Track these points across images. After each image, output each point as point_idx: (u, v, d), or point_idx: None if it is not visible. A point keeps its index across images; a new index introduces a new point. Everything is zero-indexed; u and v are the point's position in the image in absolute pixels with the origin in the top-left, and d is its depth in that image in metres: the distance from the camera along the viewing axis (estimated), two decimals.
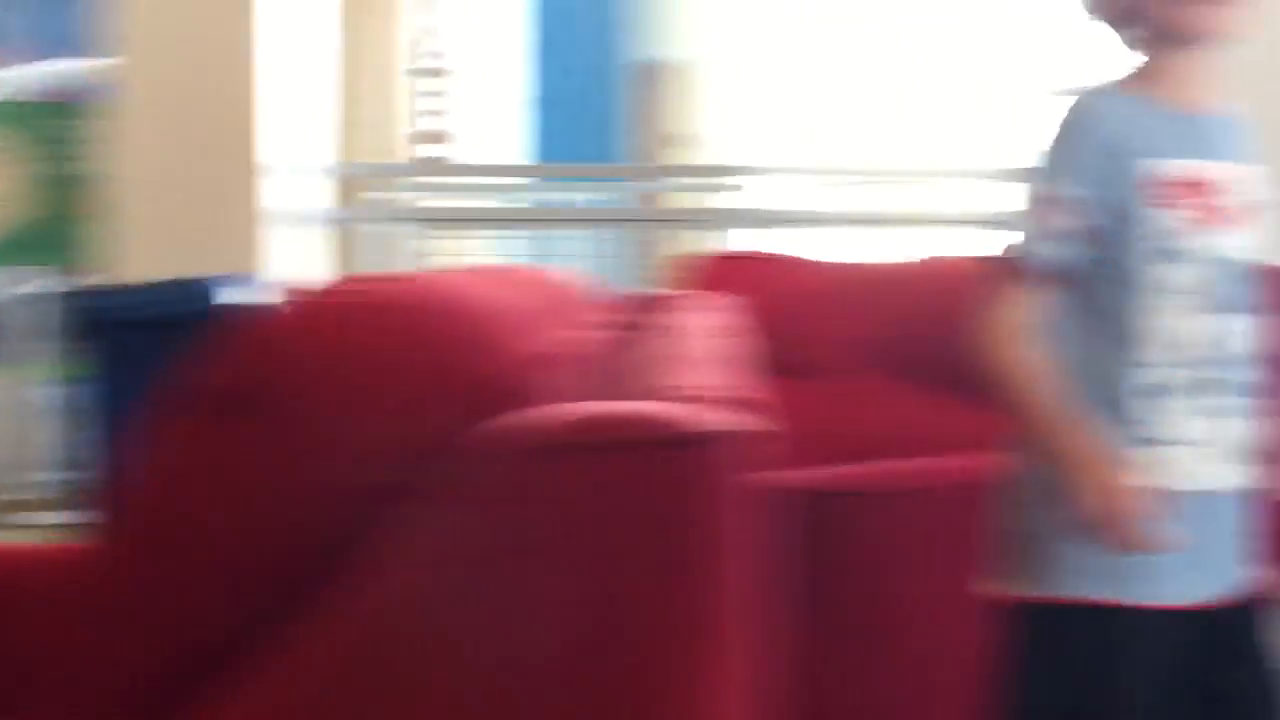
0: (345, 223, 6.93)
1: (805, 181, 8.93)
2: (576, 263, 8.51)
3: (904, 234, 7.05)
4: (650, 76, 13.62)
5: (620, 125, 13.87)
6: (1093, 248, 2.01)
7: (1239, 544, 2.06)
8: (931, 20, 11.42)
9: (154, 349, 2.55)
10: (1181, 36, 1.99)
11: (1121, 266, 2.01)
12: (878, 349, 3.60)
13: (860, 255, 3.98)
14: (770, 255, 4.49)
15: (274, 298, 3.48)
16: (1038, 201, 2.03)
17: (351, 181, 7.34)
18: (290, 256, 5.95)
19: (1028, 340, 2.02)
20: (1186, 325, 2.00)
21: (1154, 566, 1.99)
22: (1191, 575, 2.02)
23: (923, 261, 3.90)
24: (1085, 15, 2.07)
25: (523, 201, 9.09)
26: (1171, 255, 2.00)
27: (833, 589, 2.70)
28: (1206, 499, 2.02)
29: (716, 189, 8.88)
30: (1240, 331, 2.03)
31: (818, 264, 4.14)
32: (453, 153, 11.14)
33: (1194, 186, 2.00)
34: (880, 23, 11.86)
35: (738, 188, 8.67)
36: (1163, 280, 2.00)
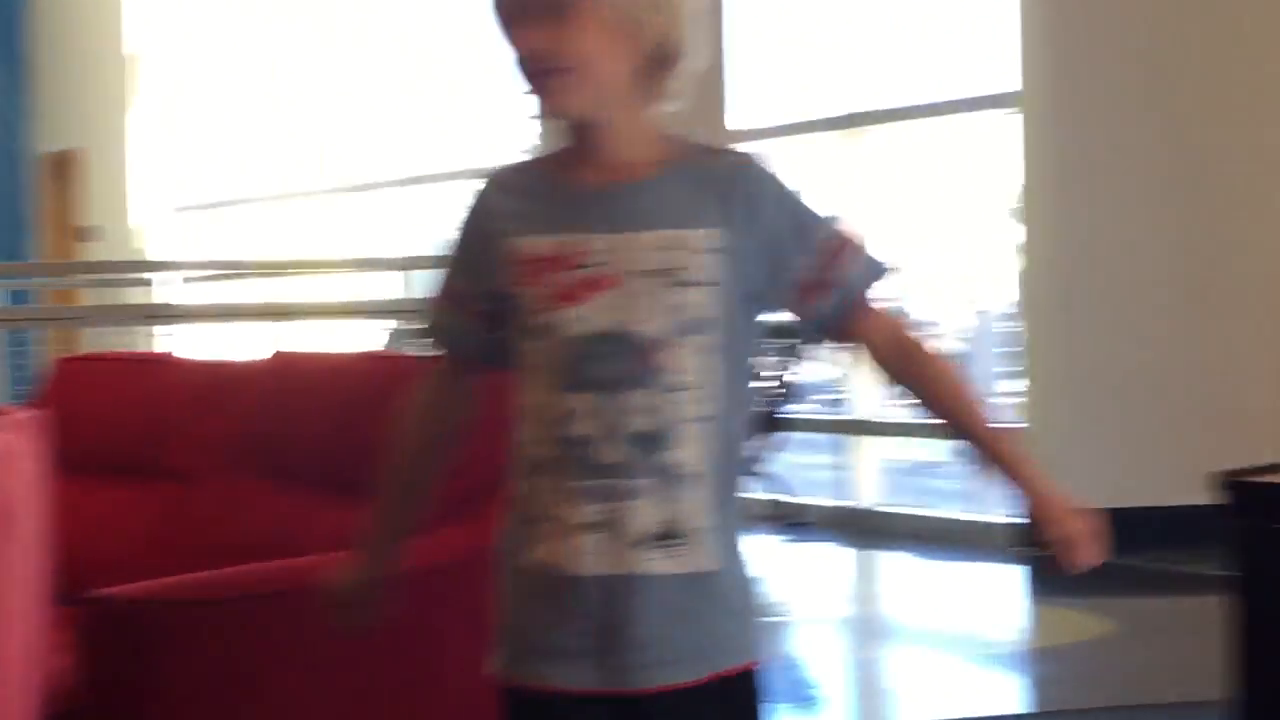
0: None
1: (214, 275, 8.76)
2: None
3: (316, 325, 6.96)
4: (57, 168, 13.11)
5: (27, 219, 13.31)
6: (490, 329, 2.02)
7: (652, 631, 1.94)
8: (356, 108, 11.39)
9: None
10: (557, 117, 1.98)
11: (510, 346, 1.99)
12: (243, 448, 3.48)
13: (268, 348, 3.83)
14: (136, 355, 4.39)
15: None
16: (433, 289, 2.05)
17: None
18: None
19: (419, 426, 2.08)
20: (550, 401, 1.96)
21: (525, 647, 1.98)
22: (574, 660, 1.95)
23: (292, 356, 3.76)
24: None
25: None
26: (533, 332, 1.97)
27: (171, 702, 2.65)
28: (591, 582, 1.94)
29: (123, 284, 8.57)
30: (609, 408, 1.95)
31: (189, 363, 4.00)
32: None
33: (552, 262, 1.96)
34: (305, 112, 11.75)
35: (147, 283, 8.44)
36: (528, 357, 1.98)
